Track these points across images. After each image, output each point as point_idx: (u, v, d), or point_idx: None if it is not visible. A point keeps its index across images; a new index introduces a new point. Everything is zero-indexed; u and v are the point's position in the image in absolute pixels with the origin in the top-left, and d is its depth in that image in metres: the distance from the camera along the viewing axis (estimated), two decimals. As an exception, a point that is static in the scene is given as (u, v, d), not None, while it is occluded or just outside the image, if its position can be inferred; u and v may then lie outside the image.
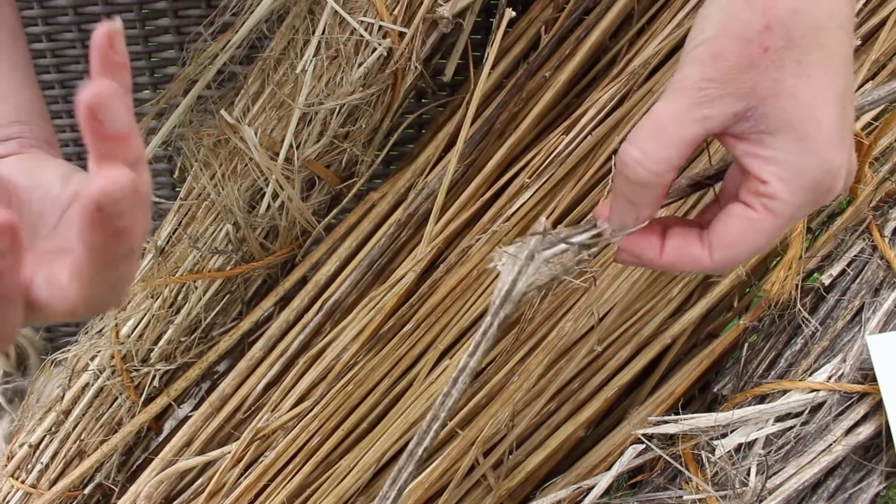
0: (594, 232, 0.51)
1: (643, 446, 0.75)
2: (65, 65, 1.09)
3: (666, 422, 0.73)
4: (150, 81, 1.10)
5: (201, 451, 0.89)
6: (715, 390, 0.80)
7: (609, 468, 0.76)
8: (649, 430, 0.74)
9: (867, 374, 0.71)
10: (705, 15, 0.45)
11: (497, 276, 0.53)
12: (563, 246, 0.52)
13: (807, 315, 0.76)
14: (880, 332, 0.72)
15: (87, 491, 0.92)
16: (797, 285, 0.77)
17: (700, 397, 0.86)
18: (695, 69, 0.44)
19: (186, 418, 0.92)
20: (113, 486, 0.93)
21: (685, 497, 0.70)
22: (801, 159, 0.44)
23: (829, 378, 0.72)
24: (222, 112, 0.83)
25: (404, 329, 0.81)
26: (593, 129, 0.82)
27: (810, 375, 0.74)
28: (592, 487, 0.76)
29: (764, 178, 0.45)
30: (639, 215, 0.48)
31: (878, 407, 0.70)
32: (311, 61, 0.83)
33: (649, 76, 0.82)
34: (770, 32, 0.42)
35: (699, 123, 0.44)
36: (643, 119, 0.46)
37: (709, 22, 0.44)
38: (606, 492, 0.77)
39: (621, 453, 0.76)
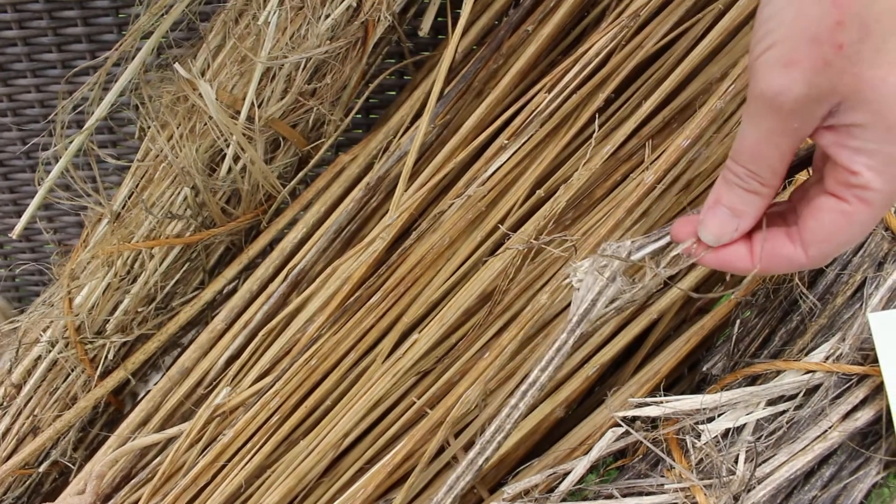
0: (677, 251, 0.51)
1: (624, 429, 0.69)
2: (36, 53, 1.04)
3: (647, 404, 0.67)
4: (118, 39, 1.04)
5: (161, 428, 0.84)
6: (704, 369, 0.74)
7: (588, 452, 0.71)
8: (630, 413, 0.68)
9: (868, 355, 0.66)
10: (770, 12, 0.41)
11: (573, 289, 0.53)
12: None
13: (804, 290, 0.70)
14: (883, 309, 0.66)
15: (42, 469, 0.88)
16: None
17: (689, 376, 0.81)
18: (771, 80, 0.41)
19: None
20: (70, 464, 0.88)
21: (667, 486, 0.65)
22: (892, 147, 0.42)
23: (827, 358, 0.67)
24: (176, 66, 0.77)
25: (371, 300, 0.76)
26: (578, 87, 0.76)
27: (806, 355, 0.68)
28: (570, 472, 0.71)
29: (855, 168, 0.43)
30: (740, 226, 0.48)
31: (879, 390, 0.65)
32: (275, 12, 0.77)
33: (639, 30, 0.76)
34: (843, 28, 0.39)
35: (793, 135, 0.43)
36: (738, 140, 0.45)
37: (776, 21, 0.41)
38: (589, 472, 0.72)
39: (601, 436, 0.70)
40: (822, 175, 0.46)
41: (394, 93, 1.03)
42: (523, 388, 0.56)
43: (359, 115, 1.05)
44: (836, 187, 0.44)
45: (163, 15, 0.79)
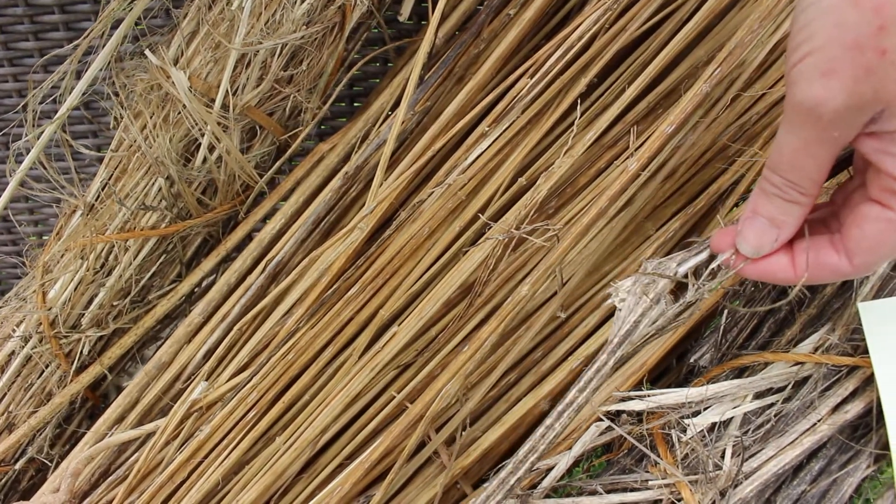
0: (716, 263, 0.51)
1: (607, 423, 0.67)
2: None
3: (631, 398, 0.65)
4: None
5: (139, 424, 0.82)
6: (691, 361, 0.73)
7: (572, 447, 0.69)
8: (614, 407, 0.66)
9: (858, 346, 0.64)
10: (807, 19, 0.40)
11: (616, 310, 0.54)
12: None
13: (793, 279, 0.68)
14: (874, 298, 0.64)
15: (18, 466, 0.86)
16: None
17: (677, 367, 0.79)
18: (809, 91, 0.40)
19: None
20: (47, 461, 0.86)
21: (651, 482, 0.63)
22: None
23: (816, 349, 0.65)
24: (147, 52, 0.75)
25: (350, 292, 0.74)
26: (561, 71, 0.73)
27: (794, 346, 0.66)
28: (553, 467, 0.69)
29: None
30: (780, 236, 0.47)
31: (869, 382, 0.63)
32: (249, -3, 0.75)
33: (623, 12, 0.73)
34: (885, 33, 0.37)
35: (831, 144, 0.42)
36: (776, 147, 0.44)
37: (813, 28, 0.39)
38: (574, 466, 0.71)
39: (585, 431, 0.69)
40: (864, 179, 0.44)
41: (378, 80, 1.01)
42: (559, 408, 0.56)
43: (342, 103, 1.03)
44: (880, 194, 0.43)
45: (133, 0, 0.76)
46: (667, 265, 0.52)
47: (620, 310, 0.54)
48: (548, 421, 0.57)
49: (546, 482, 0.67)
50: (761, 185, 0.46)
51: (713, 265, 0.51)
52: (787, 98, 0.41)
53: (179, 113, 0.77)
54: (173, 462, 0.75)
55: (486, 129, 0.74)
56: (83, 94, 0.79)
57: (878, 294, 0.64)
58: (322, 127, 1.02)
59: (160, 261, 0.83)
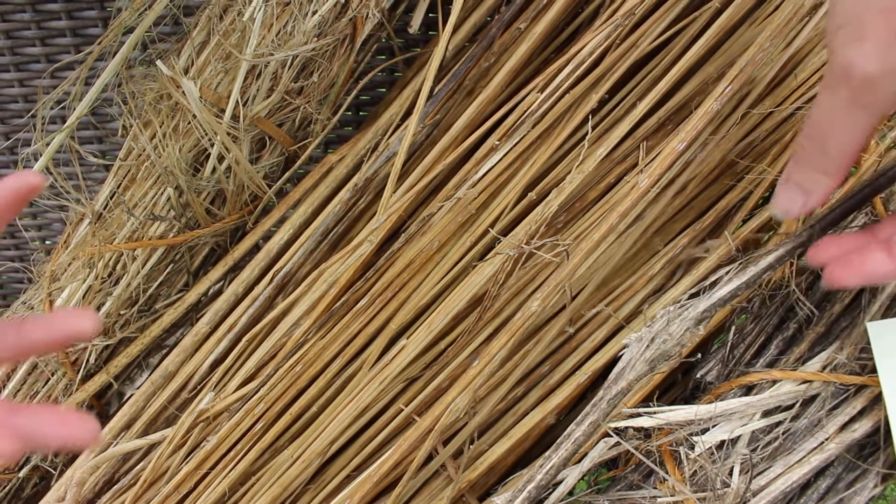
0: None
1: (616, 439, 0.67)
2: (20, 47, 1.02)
3: (639, 415, 0.66)
4: (103, 33, 1.01)
5: (144, 433, 0.82)
6: (698, 376, 0.73)
7: (579, 461, 0.69)
8: (622, 424, 0.66)
9: (866, 365, 0.64)
10: None
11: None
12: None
13: (801, 296, 0.68)
14: (882, 317, 0.65)
15: (22, 474, 0.86)
16: (792, 263, 0.69)
17: (682, 382, 0.79)
18: (845, 54, 0.41)
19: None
20: (51, 469, 0.86)
21: (660, 499, 0.63)
22: None
23: (824, 368, 0.65)
24: (158, 63, 0.75)
25: (358, 305, 0.74)
26: (571, 86, 0.74)
27: (803, 364, 0.66)
28: (560, 482, 0.69)
29: None
30: (807, 201, 0.48)
31: (877, 401, 0.63)
32: (261, 8, 0.75)
33: (634, 28, 0.74)
34: None
35: (865, 109, 0.43)
36: (813, 111, 0.45)
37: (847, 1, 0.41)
38: (580, 481, 0.71)
39: (593, 446, 0.69)
40: None
41: (384, 90, 1.01)
42: (560, 440, 0.59)
43: (349, 113, 1.03)
44: None
45: (145, 10, 0.77)
46: (671, 310, 0.56)
47: (624, 353, 0.59)
48: (547, 453, 0.60)
49: (554, 496, 0.67)
50: (794, 153, 0.48)
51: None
52: (828, 64, 0.43)
53: (189, 123, 0.77)
54: (180, 472, 0.75)
55: (497, 142, 0.74)
56: (93, 102, 0.79)
57: (887, 313, 0.65)
58: (329, 135, 1.02)
59: (168, 270, 0.83)
